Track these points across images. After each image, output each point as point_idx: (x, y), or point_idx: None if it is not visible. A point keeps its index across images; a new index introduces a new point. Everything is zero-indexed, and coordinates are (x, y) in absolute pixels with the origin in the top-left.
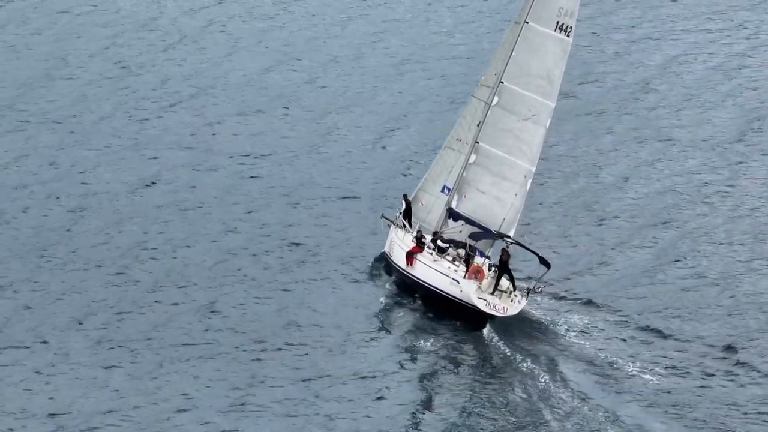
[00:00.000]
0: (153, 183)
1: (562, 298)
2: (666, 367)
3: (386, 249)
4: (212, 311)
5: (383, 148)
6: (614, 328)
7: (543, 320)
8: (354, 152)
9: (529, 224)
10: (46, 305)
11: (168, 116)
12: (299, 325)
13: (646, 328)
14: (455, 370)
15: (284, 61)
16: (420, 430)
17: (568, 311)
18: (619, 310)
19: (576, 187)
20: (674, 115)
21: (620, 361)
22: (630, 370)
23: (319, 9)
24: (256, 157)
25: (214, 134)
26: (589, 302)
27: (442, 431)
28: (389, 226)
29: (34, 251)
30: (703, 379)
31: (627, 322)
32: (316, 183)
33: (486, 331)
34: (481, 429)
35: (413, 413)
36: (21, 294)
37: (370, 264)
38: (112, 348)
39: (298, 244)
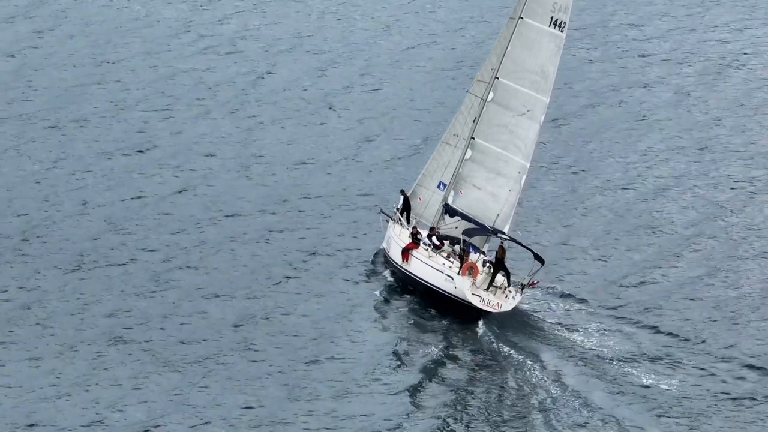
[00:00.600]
0: (187, 190)
1: (556, 294)
2: (661, 363)
3: (384, 245)
4: (248, 322)
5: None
6: (609, 324)
7: (537, 316)
8: (392, 160)
9: (523, 220)
10: (80, 315)
11: (204, 122)
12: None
13: (641, 324)
14: (448, 366)
15: (321, 67)
16: (412, 423)
17: (562, 307)
18: (615, 306)
19: (570, 183)
20: (668, 111)
21: (615, 357)
22: (624, 366)
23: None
24: (293, 164)
25: (250, 141)
26: (583, 298)
27: (434, 426)
28: (387, 221)
29: (68, 260)
30: (701, 376)
31: (622, 317)
32: (351, 190)
33: (480, 326)
34: (474, 424)
35: (405, 408)
36: (55, 304)
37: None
38: (147, 359)
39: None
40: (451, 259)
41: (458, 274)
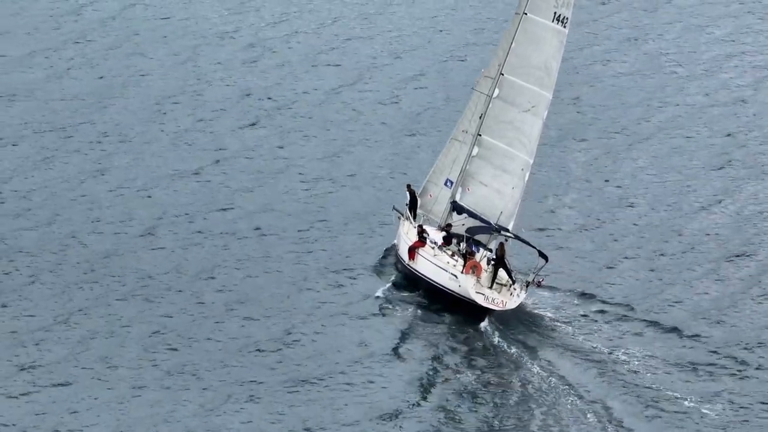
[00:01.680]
0: (229, 206)
1: (561, 290)
2: (664, 362)
3: (396, 241)
4: (286, 340)
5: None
6: (614, 322)
7: (542, 313)
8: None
9: (527, 217)
10: (117, 331)
11: (246, 133)
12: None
13: (647, 322)
14: (452, 364)
15: (361, 77)
16: (414, 421)
17: (567, 304)
18: (620, 303)
19: (574, 182)
20: (671, 108)
21: (620, 355)
22: (630, 364)
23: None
24: (331, 178)
25: (290, 153)
26: (589, 295)
27: (436, 423)
28: (399, 218)
29: (105, 275)
30: (709, 374)
31: (628, 315)
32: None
33: (484, 324)
34: (476, 422)
35: (406, 405)
36: (91, 319)
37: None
38: (184, 377)
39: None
40: (456, 257)
41: (462, 272)
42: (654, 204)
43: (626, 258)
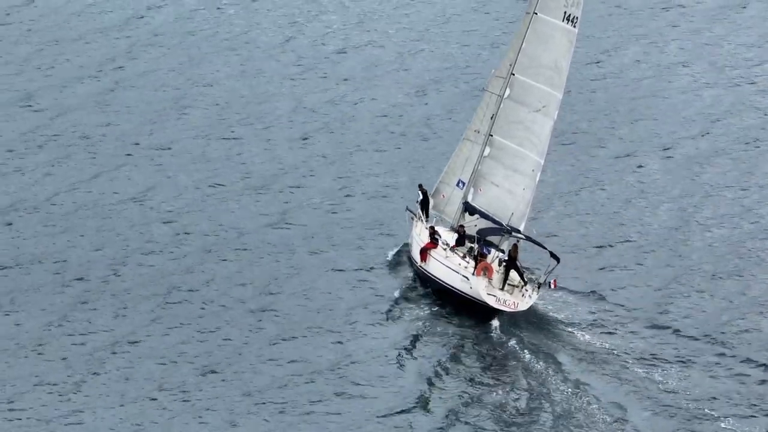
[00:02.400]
0: (286, 223)
1: (572, 292)
2: (678, 365)
3: (409, 242)
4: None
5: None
6: (625, 324)
7: (553, 315)
8: None
9: (538, 218)
10: (170, 352)
11: (302, 148)
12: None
13: (658, 325)
14: (460, 364)
15: (422, 90)
16: (421, 421)
17: (578, 306)
18: (632, 306)
19: (587, 182)
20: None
21: (631, 358)
22: (641, 367)
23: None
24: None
25: (349, 167)
26: (600, 296)
27: (443, 423)
28: (413, 219)
29: (159, 293)
30: (713, 378)
31: (638, 317)
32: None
33: (495, 324)
34: (483, 422)
35: (414, 405)
36: (146, 340)
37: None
38: (238, 397)
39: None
40: (467, 259)
41: (473, 274)
42: (667, 207)
43: (639, 261)
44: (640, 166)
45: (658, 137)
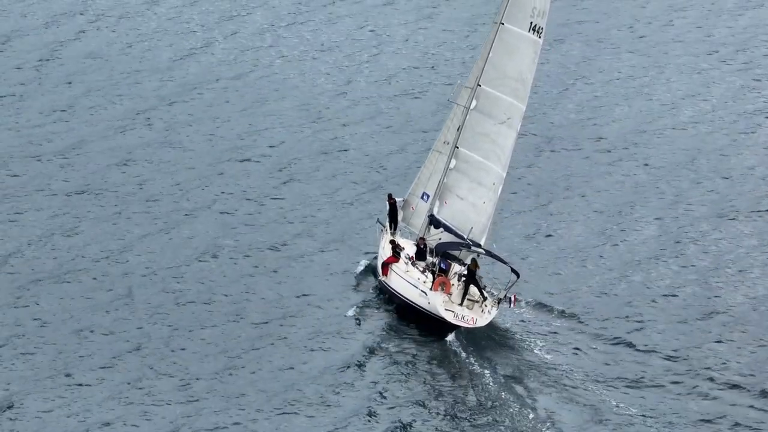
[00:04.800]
0: (256, 233)
1: (533, 307)
2: (637, 383)
3: (378, 253)
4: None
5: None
6: (584, 341)
7: (511, 329)
8: None
9: (500, 233)
10: (193, 367)
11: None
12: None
13: (618, 341)
14: (412, 379)
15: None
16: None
17: (538, 322)
18: (592, 323)
19: (546, 195)
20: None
21: (589, 376)
22: (598, 386)
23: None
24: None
25: (322, 177)
26: (561, 314)
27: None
28: (382, 231)
29: (121, 295)
30: (677, 393)
31: (599, 335)
32: None
33: (450, 339)
34: None
35: (366, 421)
36: (168, 356)
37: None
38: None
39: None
40: (426, 273)
41: (430, 289)
42: (631, 219)
43: (601, 278)
44: (605, 178)
45: (619, 153)
